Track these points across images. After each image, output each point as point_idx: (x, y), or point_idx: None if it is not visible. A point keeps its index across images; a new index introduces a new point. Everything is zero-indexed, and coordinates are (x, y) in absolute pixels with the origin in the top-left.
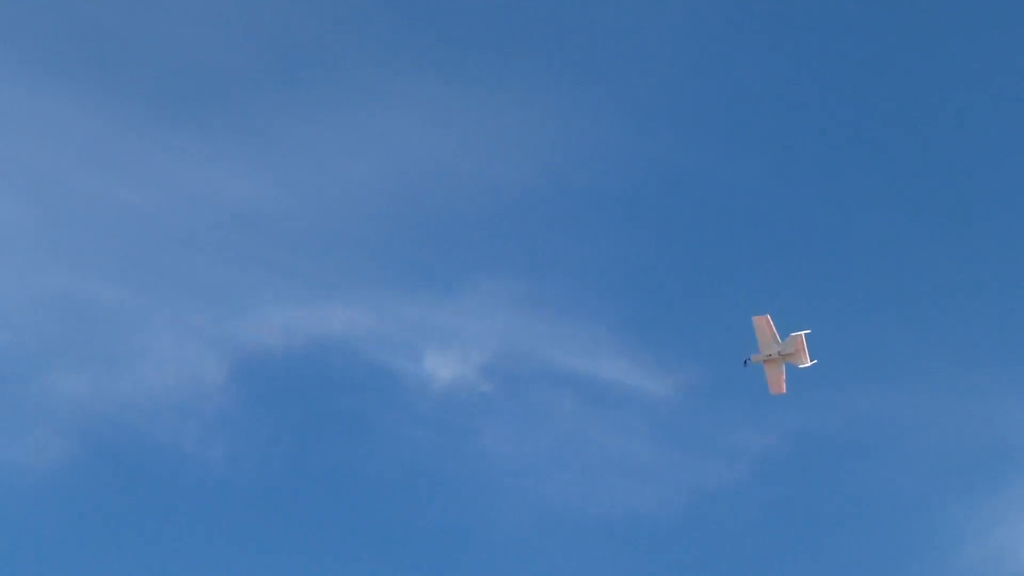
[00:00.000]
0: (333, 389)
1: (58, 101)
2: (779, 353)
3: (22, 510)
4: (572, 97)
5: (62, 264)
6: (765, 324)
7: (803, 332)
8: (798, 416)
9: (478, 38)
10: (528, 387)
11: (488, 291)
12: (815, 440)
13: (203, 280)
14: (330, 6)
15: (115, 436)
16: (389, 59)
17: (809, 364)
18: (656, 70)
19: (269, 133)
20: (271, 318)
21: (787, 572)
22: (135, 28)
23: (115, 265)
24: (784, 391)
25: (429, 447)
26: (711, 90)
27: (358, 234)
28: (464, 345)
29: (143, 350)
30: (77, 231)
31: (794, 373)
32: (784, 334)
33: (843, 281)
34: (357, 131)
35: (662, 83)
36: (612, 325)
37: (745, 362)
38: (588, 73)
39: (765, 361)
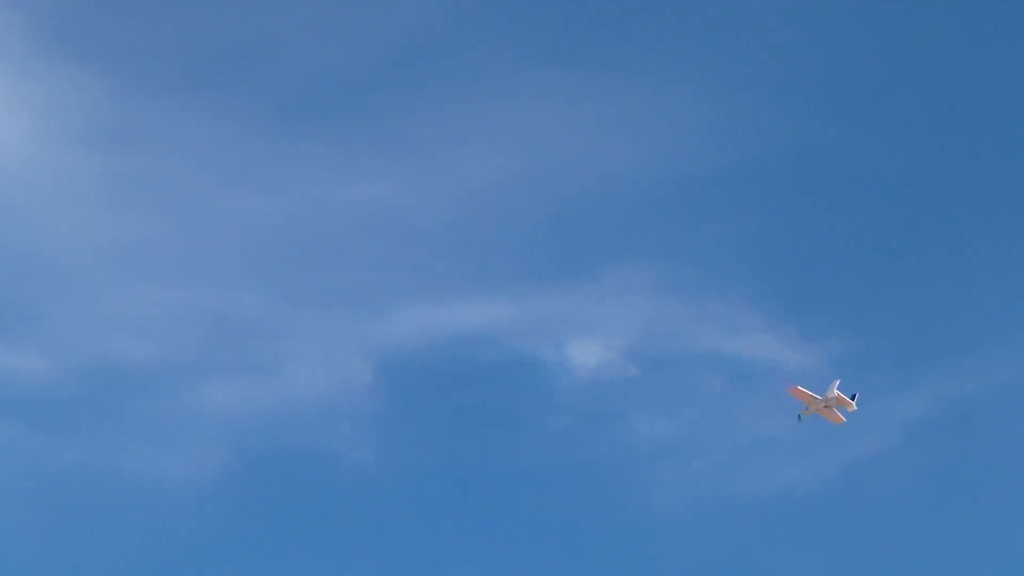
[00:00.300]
0: (477, 383)
1: (188, 116)
2: (824, 405)
3: (181, 520)
4: (700, 80)
5: (202, 276)
6: (800, 392)
7: (836, 382)
8: (947, 381)
9: (602, 25)
10: (672, 369)
11: (626, 276)
12: (965, 405)
13: (342, 283)
14: (450, 4)
15: (266, 443)
16: (513, 52)
17: (854, 407)
18: (786, 50)
19: (397, 133)
20: (411, 317)
21: (942, 539)
22: (259, 36)
23: (254, 274)
24: (844, 420)
25: (577, 435)
26: (843, 70)
27: (492, 228)
28: (606, 331)
29: (288, 356)
30: (215, 242)
31: None
32: (822, 389)
33: (981, 246)
34: (484, 125)
35: (792, 63)
36: (753, 302)
37: (799, 417)
38: (717, 55)
39: (817, 412)
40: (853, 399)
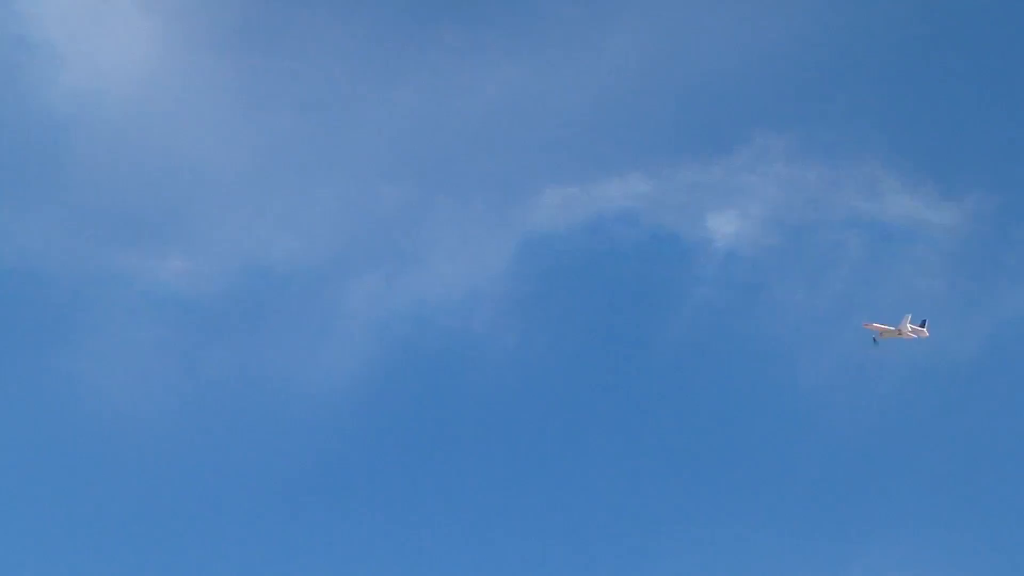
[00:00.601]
0: (618, 262)
1: (322, 13)
2: (899, 334)
3: (332, 419)
4: None
5: (343, 172)
6: (876, 327)
7: (907, 316)
8: None
9: None
10: (813, 235)
11: (762, 146)
12: None
13: (483, 171)
14: None
15: (412, 332)
16: None
17: (926, 334)
18: None
19: (533, 17)
20: (552, 200)
21: None
22: None
23: (396, 166)
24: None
25: (721, 307)
26: None
27: (626, 105)
28: (744, 202)
29: (431, 246)
30: (355, 137)
31: None
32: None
33: None
34: (620, 4)
35: None
36: (890, 162)
37: (875, 340)
38: None
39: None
40: (923, 326)
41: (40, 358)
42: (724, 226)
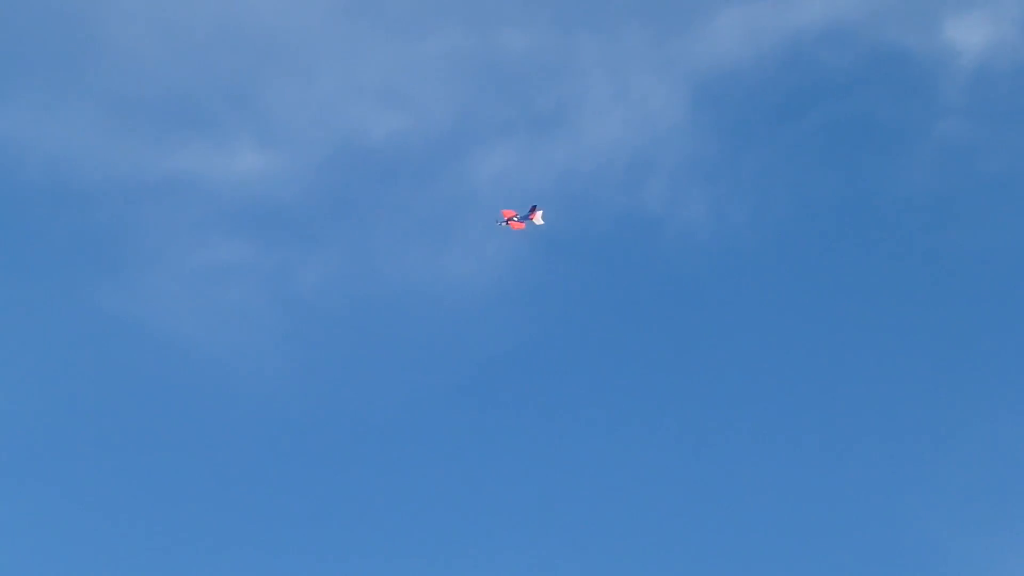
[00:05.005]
0: (828, 97)
1: None
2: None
3: (474, 324)
4: None
5: (454, 17)
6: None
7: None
8: None
9: None
10: None
11: None
12: None
13: None
14: None
15: (562, 215)
16: None
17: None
18: None
19: None
20: (727, 23)
21: None
22: None
23: (521, 8)
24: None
25: (974, 142)
26: None
27: None
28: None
29: (575, 101)
30: None
31: None
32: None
33: None
34: None
35: None
36: None
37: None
38: None
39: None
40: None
41: (87, 292)
42: (969, 36)
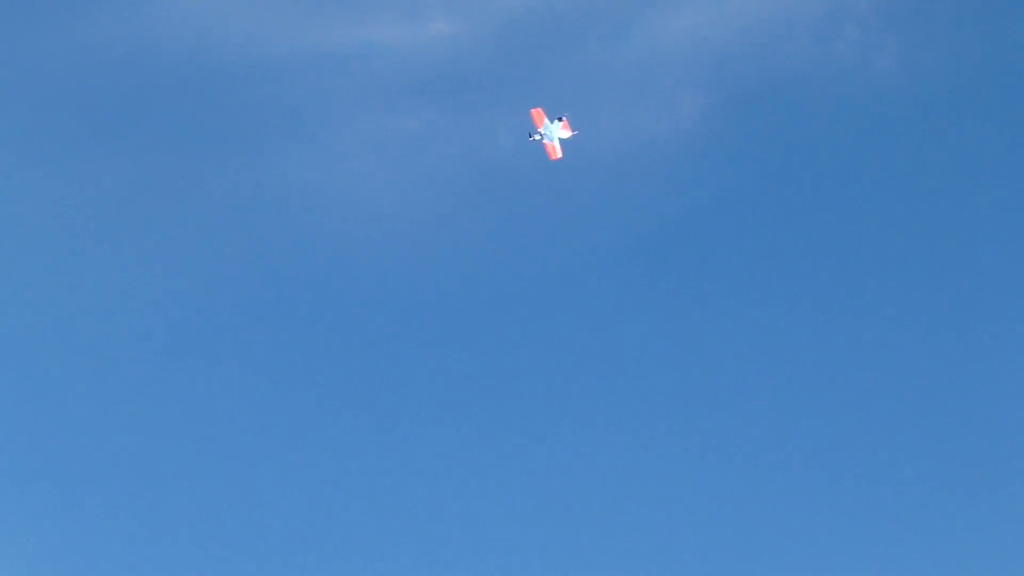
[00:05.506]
0: None
1: None
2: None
3: (664, 173)
4: None
5: None
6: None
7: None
8: None
9: None
10: None
11: None
12: None
13: None
14: None
15: (751, 73)
16: None
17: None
18: None
19: None
20: None
21: None
22: None
23: None
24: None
25: None
26: None
27: None
28: None
29: None
30: None
31: None
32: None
33: None
34: None
35: None
36: None
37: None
38: None
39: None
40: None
41: (278, 162)
42: None
